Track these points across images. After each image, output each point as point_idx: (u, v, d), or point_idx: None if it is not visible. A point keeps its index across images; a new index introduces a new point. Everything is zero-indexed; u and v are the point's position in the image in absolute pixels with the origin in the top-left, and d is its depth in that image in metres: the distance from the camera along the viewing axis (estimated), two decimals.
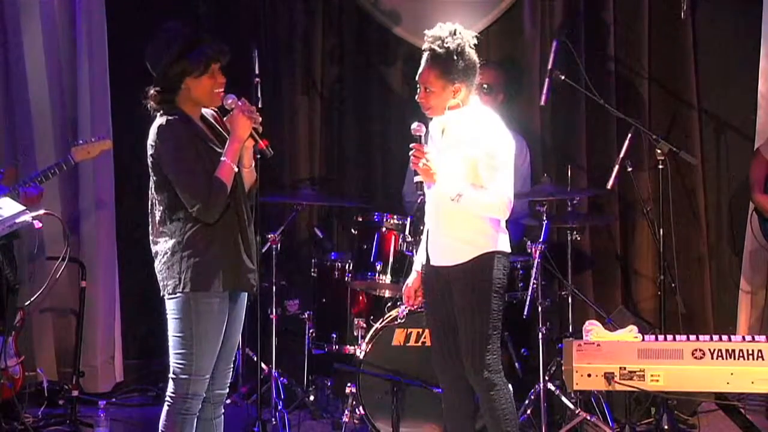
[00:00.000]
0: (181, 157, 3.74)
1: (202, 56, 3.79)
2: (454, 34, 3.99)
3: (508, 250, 4.12)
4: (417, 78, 4.07)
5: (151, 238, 3.88)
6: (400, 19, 6.15)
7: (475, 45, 4.05)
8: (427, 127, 4.15)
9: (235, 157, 3.80)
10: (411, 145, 4.03)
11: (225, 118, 3.89)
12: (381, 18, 6.19)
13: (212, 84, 3.84)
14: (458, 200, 3.96)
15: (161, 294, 3.85)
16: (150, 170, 3.83)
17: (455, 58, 3.97)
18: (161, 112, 3.83)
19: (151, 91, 3.83)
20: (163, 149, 3.75)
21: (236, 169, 3.81)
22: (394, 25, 6.15)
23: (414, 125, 4.05)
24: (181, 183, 3.74)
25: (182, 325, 3.79)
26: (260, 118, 3.87)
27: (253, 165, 3.94)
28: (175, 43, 3.81)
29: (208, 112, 3.96)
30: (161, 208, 3.81)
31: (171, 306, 3.81)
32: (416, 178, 4.07)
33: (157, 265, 3.84)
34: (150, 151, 3.79)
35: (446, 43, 3.97)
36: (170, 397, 3.83)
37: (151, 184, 3.85)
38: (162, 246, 3.81)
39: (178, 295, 3.77)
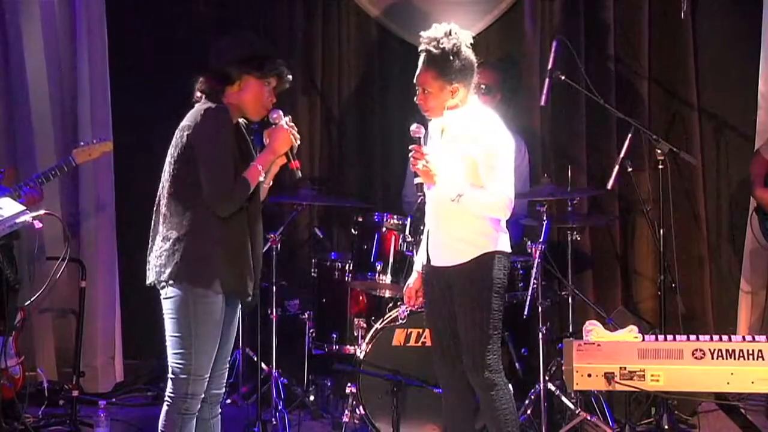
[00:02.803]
0: (220, 142, 3.72)
1: (272, 63, 3.85)
2: (450, 34, 3.98)
3: (509, 250, 4.12)
4: (415, 80, 4.06)
5: (153, 227, 3.86)
6: (401, 20, 6.15)
7: (471, 44, 4.05)
8: (426, 128, 4.15)
9: (266, 166, 3.83)
10: (410, 147, 4.03)
11: (266, 131, 3.90)
12: (387, 22, 6.19)
13: (264, 95, 3.86)
14: (458, 201, 3.96)
15: (150, 281, 3.82)
16: (174, 151, 3.78)
17: (451, 58, 3.96)
18: (205, 101, 3.83)
19: (207, 78, 3.85)
20: (204, 129, 3.72)
21: (263, 178, 3.82)
22: (398, 27, 6.14)
23: (413, 127, 4.05)
24: (210, 166, 3.71)
25: (180, 324, 3.78)
26: (299, 140, 3.90)
27: (270, 184, 3.96)
28: (253, 46, 3.90)
29: (242, 123, 3.97)
30: (172, 196, 3.78)
31: (168, 305, 3.81)
32: (416, 180, 4.06)
33: (155, 251, 3.81)
34: (186, 131, 3.75)
35: (442, 43, 3.96)
36: (169, 397, 3.83)
37: (168, 167, 3.81)
38: (165, 234, 3.78)
39: (175, 291, 3.76)
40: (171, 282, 3.76)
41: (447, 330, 4.15)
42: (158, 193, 3.87)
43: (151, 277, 3.84)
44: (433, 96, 4.02)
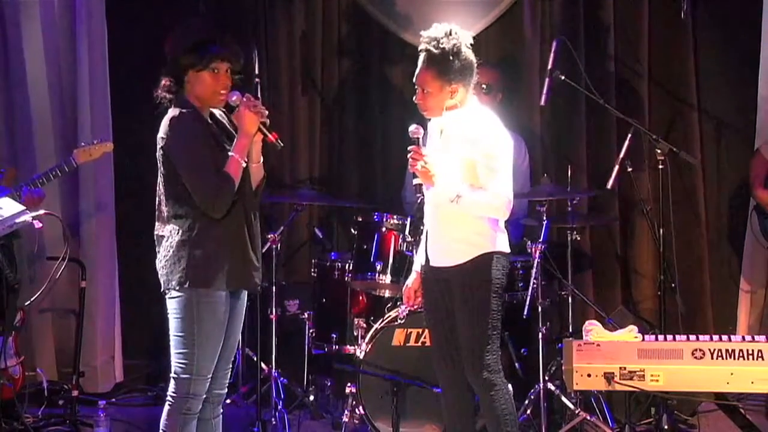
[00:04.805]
0: (192, 150, 3.74)
1: (207, 52, 3.81)
2: (450, 34, 3.98)
3: (507, 250, 4.12)
4: (414, 80, 4.06)
5: (156, 233, 3.88)
6: (401, 20, 6.15)
7: (471, 45, 4.04)
8: (425, 128, 4.15)
9: (243, 152, 3.81)
10: (409, 148, 4.03)
11: (233, 116, 3.90)
12: (387, 22, 6.19)
13: (214, 82, 3.84)
14: (457, 201, 3.96)
15: (162, 289, 3.84)
16: (159, 163, 3.82)
17: (451, 58, 3.96)
18: (173, 104, 3.84)
19: (163, 81, 3.85)
20: (173, 141, 3.75)
21: (244, 165, 3.82)
22: (398, 27, 6.14)
23: (411, 128, 4.05)
24: (190, 175, 3.74)
25: (184, 324, 3.78)
26: (267, 112, 3.89)
27: (261, 161, 3.95)
28: (189, 36, 3.85)
29: (217, 111, 3.97)
30: (169, 202, 3.80)
31: (173, 305, 3.81)
32: (415, 180, 4.06)
33: (161, 259, 3.83)
34: (160, 144, 3.79)
35: (442, 43, 3.96)
36: (171, 396, 3.83)
37: (159, 178, 3.84)
38: (168, 241, 3.80)
39: (181, 293, 3.77)
40: (178, 288, 3.77)
41: (446, 330, 4.15)
42: (156, 203, 3.88)
43: (162, 285, 3.85)
44: (432, 96, 4.02)
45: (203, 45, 3.81)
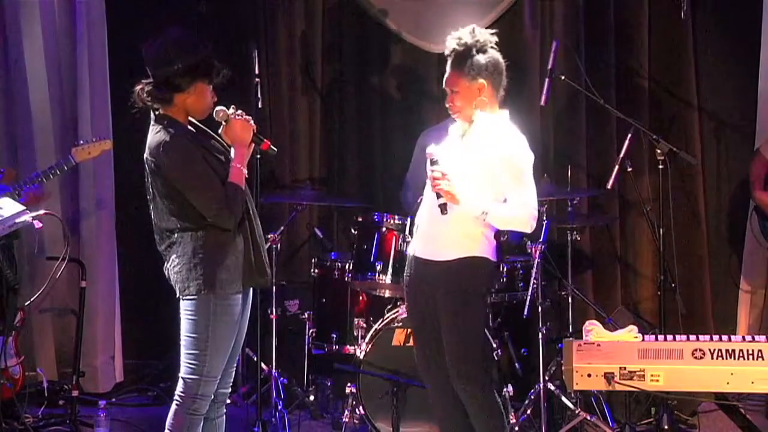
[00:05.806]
0: (193, 170, 3.74)
1: (216, 66, 3.82)
2: (473, 32, 4.01)
3: (494, 258, 4.07)
4: (444, 85, 4.06)
5: (163, 245, 3.85)
6: (401, 20, 6.14)
7: (497, 43, 4.04)
8: (446, 133, 4.12)
9: (244, 161, 3.84)
10: (429, 169, 3.98)
11: (220, 130, 3.90)
12: (387, 22, 6.18)
13: (209, 96, 3.86)
14: (484, 218, 3.93)
15: (177, 296, 3.82)
16: (150, 184, 3.82)
17: (474, 53, 3.97)
18: (155, 121, 3.82)
19: (148, 88, 3.82)
20: (172, 165, 3.73)
21: (246, 173, 3.84)
22: (398, 28, 6.14)
23: (428, 150, 4.02)
24: (197, 195, 3.73)
25: (198, 326, 3.77)
26: (253, 120, 3.91)
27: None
28: (197, 50, 3.82)
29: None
30: (173, 215, 3.78)
31: (188, 307, 3.79)
32: (439, 201, 3.95)
33: (173, 267, 3.81)
34: (152, 166, 3.77)
35: (464, 39, 3.98)
36: (179, 396, 3.81)
37: (154, 197, 3.82)
38: (181, 246, 3.78)
39: (198, 297, 3.75)
40: (195, 294, 3.76)
41: (429, 331, 4.11)
42: (155, 219, 3.87)
43: (177, 292, 3.84)
44: (460, 95, 4.01)
45: (213, 60, 3.83)
